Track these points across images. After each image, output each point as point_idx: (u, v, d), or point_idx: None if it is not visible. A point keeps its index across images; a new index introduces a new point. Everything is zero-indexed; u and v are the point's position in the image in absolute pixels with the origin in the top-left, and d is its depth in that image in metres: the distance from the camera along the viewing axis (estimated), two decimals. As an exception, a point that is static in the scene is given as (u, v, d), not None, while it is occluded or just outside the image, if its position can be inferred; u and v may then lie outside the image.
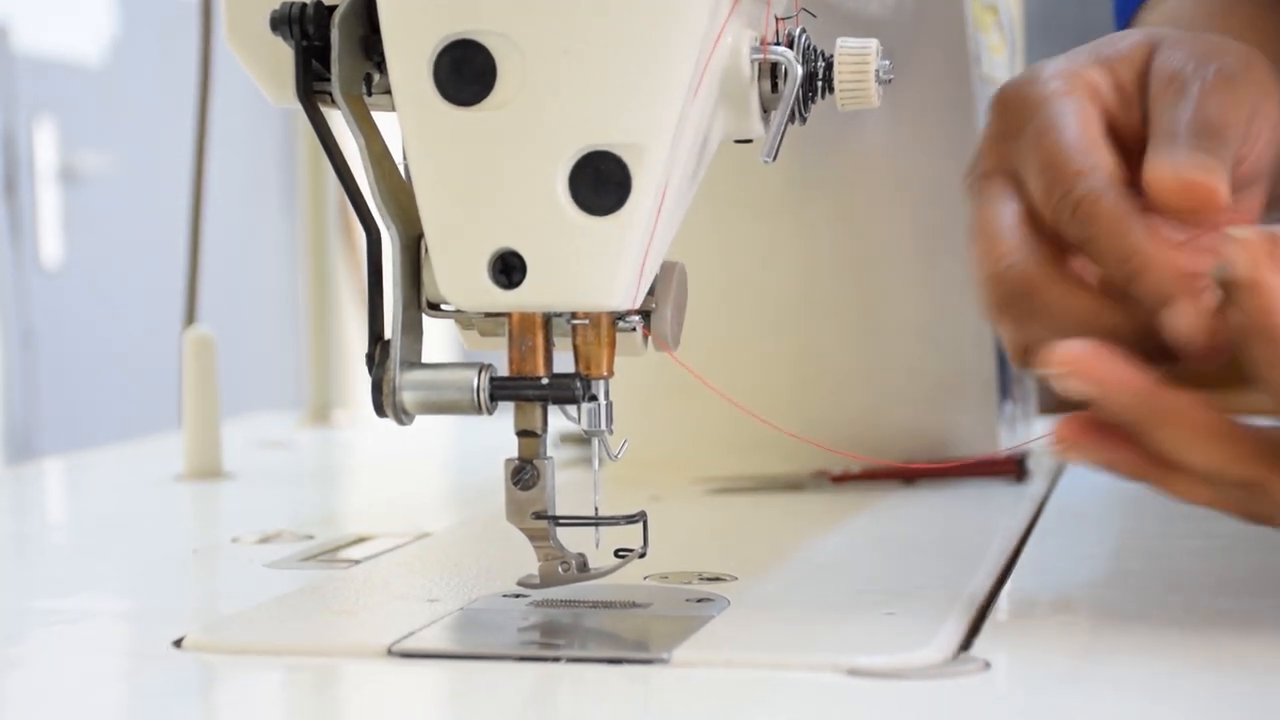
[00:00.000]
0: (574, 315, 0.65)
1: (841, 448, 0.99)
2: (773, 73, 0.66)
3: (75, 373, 3.20)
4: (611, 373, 0.66)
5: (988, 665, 0.60)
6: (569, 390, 0.65)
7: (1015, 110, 0.67)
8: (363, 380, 0.67)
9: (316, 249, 1.55)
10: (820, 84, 0.67)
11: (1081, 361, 0.60)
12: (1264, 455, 0.60)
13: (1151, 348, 0.61)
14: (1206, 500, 0.62)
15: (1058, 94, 0.66)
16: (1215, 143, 0.64)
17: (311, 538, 0.86)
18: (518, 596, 0.69)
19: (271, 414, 1.61)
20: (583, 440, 0.68)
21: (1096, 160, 0.64)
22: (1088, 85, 0.67)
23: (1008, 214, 0.65)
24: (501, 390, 0.65)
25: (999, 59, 1.08)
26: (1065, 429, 0.61)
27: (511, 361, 0.66)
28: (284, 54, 0.66)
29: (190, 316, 1.33)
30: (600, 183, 0.63)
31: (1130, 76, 0.68)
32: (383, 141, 0.66)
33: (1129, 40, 0.69)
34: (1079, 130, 0.65)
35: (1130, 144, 0.66)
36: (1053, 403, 0.93)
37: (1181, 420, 0.60)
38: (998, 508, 0.90)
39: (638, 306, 0.65)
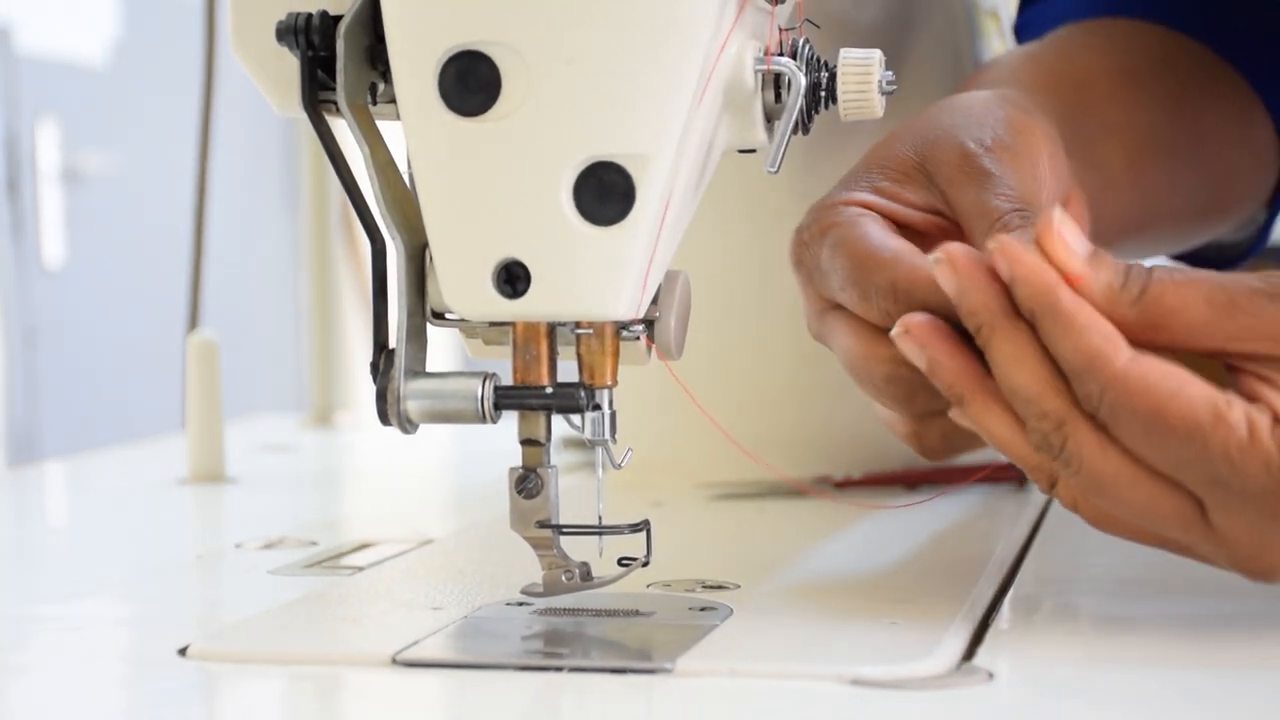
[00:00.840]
0: (578, 324, 0.66)
1: (844, 454, 0.99)
2: (776, 83, 0.66)
3: (76, 374, 3.20)
4: (615, 382, 0.66)
5: (991, 676, 0.60)
6: (573, 399, 0.66)
7: (807, 250, 0.70)
8: (365, 383, 0.68)
9: (319, 251, 1.55)
10: (823, 95, 0.68)
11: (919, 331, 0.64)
12: (1069, 397, 0.62)
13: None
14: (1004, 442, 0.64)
15: (837, 220, 0.70)
16: (1029, 212, 0.69)
17: (315, 543, 0.86)
18: (521, 605, 0.69)
19: (273, 416, 1.61)
20: (584, 444, 0.68)
21: (894, 246, 0.67)
22: (860, 202, 0.71)
23: (858, 338, 0.68)
24: (506, 399, 0.65)
25: (1002, 65, 1.08)
26: (915, 324, 0.64)
27: (515, 370, 0.66)
28: (289, 63, 0.66)
29: (193, 320, 1.33)
30: (604, 193, 0.63)
31: (901, 178, 0.72)
32: (387, 151, 0.66)
33: (895, 149, 0.73)
34: (864, 234, 0.68)
35: (920, 233, 0.71)
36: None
37: (1013, 338, 0.62)
38: (1000, 515, 0.90)
39: (641, 316, 0.65)
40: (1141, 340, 0.61)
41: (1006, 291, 0.62)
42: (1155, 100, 0.87)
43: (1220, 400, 0.60)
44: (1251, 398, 0.61)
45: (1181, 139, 0.88)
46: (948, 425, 0.66)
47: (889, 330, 0.65)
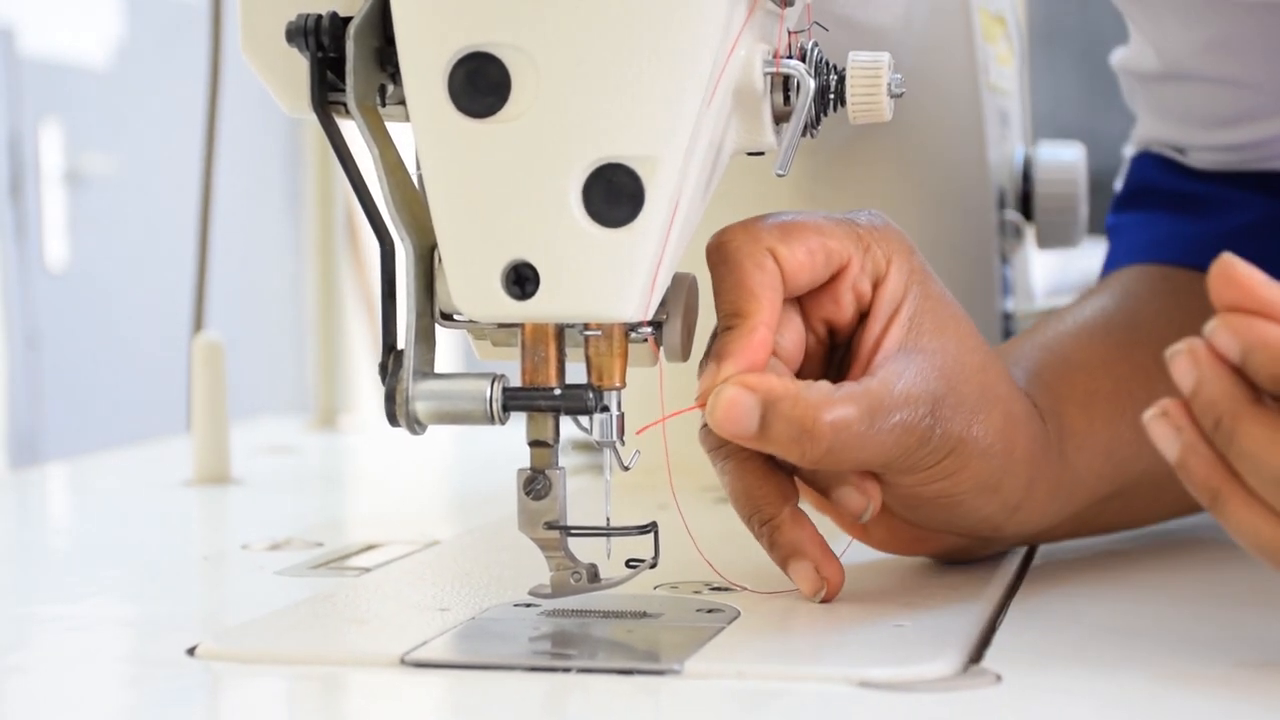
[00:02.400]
0: (586, 326, 0.66)
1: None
2: (785, 86, 0.66)
3: (80, 376, 3.20)
4: (624, 384, 0.66)
5: (999, 679, 0.60)
6: (581, 401, 0.66)
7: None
8: (368, 384, 0.68)
9: (323, 253, 1.55)
10: (832, 97, 0.68)
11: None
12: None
13: None
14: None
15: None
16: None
17: (321, 545, 0.86)
18: (529, 606, 0.69)
19: (277, 418, 1.61)
20: (592, 447, 0.68)
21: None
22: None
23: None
24: (514, 401, 0.66)
25: (1007, 70, 1.08)
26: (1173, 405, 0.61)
27: (524, 372, 0.66)
28: (298, 64, 0.66)
29: (198, 322, 1.34)
30: (613, 195, 0.63)
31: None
32: (397, 152, 0.66)
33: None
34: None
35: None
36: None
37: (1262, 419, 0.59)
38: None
39: (650, 318, 0.66)
40: None
41: (1242, 378, 0.58)
42: None
43: None
44: None
45: None
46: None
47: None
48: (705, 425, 0.69)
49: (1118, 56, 0.96)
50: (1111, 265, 0.92)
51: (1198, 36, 0.90)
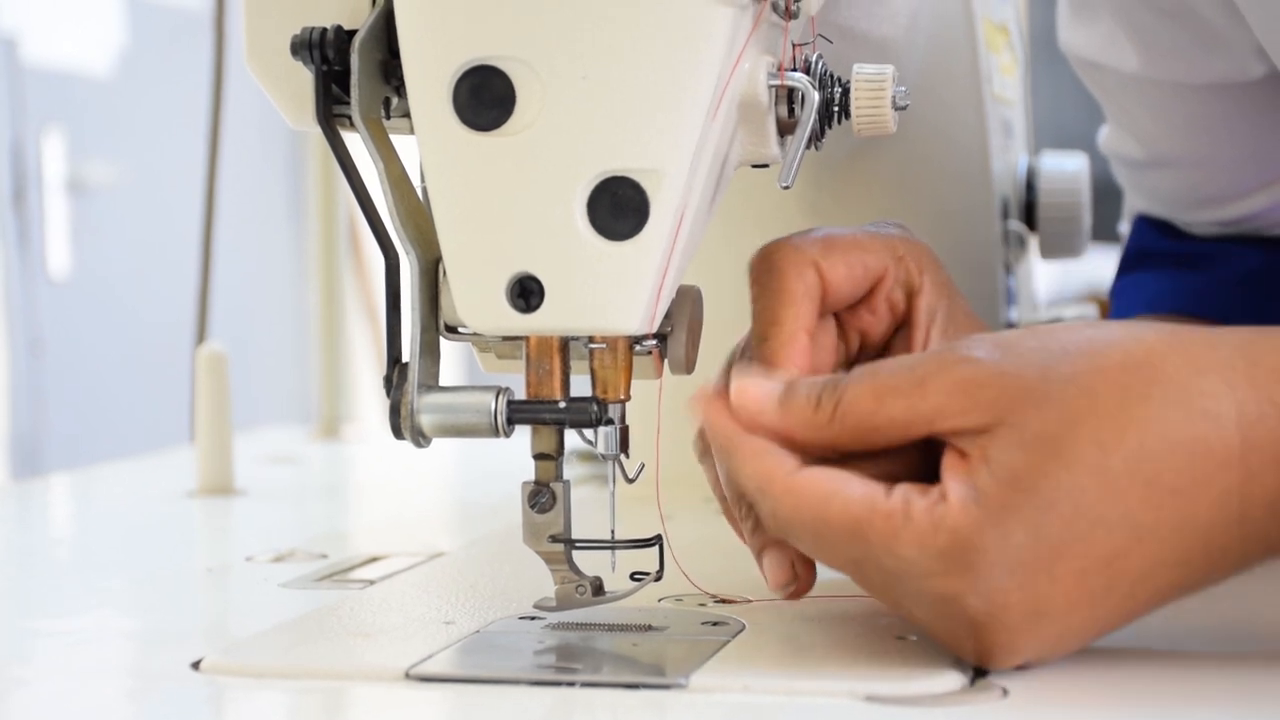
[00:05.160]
0: (591, 339, 0.66)
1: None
2: (790, 98, 0.66)
3: (82, 385, 3.20)
4: (629, 396, 0.66)
5: (1005, 693, 0.60)
6: (586, 414, 0.66)
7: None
8: (371, 395, 0.68)
9: (325, 263, 1.55)
10: (836, 110, 0.68)
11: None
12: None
13: None
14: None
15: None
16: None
17: (325, 556, 0.86)
18: (533, 619, 0.69)
19: (280, 428, 1.61)
20: (595, 457, 0.68)
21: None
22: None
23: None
24: (519, 413, 0.65)
25: (1010, 79, 1.08)
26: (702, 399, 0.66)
27: (529, 385, 0.66)
28: (303, 77, 0.66)
29: (201, 333, 1.34)
30: (618, 208, 0.63)
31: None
32: (401, 165, 0.66)
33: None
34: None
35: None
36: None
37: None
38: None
39: (654, 331, 0.65)
40: (863, 450, 0.62)
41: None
42: None
43: (879, 492, 0.60)
44: (949, 476, 0.60)
45: None
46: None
47: None
48: (701, 431, 0.69)
49: (1104, 139, 0.97)
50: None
51: (1168, 122, 0.90)
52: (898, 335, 0.71)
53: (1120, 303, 0.95)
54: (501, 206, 0.63)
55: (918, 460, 0.62)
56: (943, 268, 0.72)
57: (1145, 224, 0.96)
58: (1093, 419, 0.59)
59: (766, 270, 0.69)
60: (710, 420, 0.64)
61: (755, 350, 0.68)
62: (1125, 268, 0.97)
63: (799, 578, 0.69)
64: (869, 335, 0.71)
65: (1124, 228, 0.99)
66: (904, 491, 0.60)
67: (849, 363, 0.72)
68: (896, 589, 0.61)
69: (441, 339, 0.67)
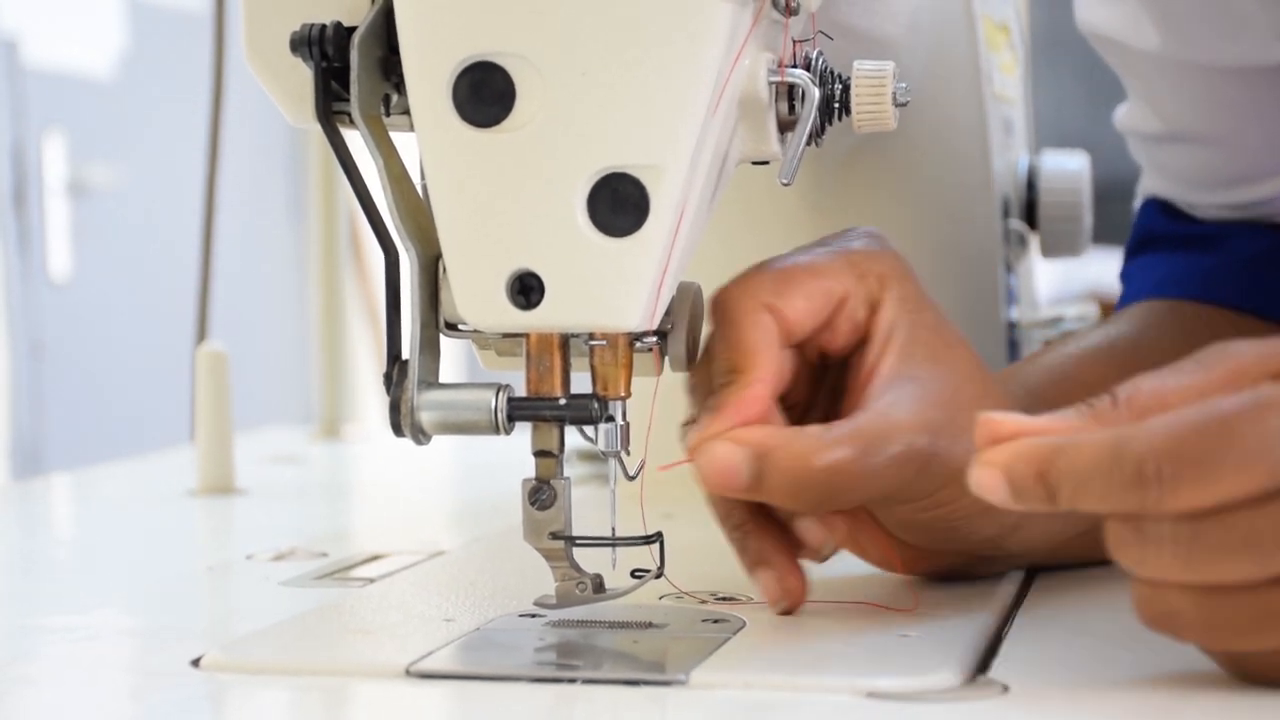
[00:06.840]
0: (591, 336, 0.66)
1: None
2: (790, 95, 0.66)
3: (83, 386, 3.20)
4: (629, 393, 0.66)
5: (1005, 689, 0.60)
6: (586, 411, 0.66)
7: None
8: (372, 394, 0.68)
9: (326, 263, 1.55)
10: (837, 106, 0.68)
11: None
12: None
13: None
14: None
15: None
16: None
17: (325, 555, 0.86)
18: (534, 616, 0.69)
19: (281, 428, 1.61)
20: (596, 456, 0.68)
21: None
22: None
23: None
24: (519, 410, 0.65)
25: (1010, 78, 1.08)
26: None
27: (529, 382, 0.66)
28: (303, 74, 0.66)
29: (202, 332, 1.34)
30: (618, 204, 0.63)
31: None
32: (401, 162, 0.66)
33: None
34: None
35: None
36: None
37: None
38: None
39: (654, 327, 0.65)
40: None
41: None
42: None
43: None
44: None
45: None
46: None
47: None
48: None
49: (1121, 114, 0.97)
50: (1122, 307, 0.92)
51: (1190, 99, 0.90)
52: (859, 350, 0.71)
53: (1130, 286, 0.94)
54: (501, 203, 0.63)
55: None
56: (913, 279, 0.71)
57: (1152, 208, 0.96)
58: None
59: (722, 319, 0.69)
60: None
61: (716, 394, 0.67)
62: (1133, 251, 0.96)
63: (791, 591, 0.69)
64: (830, 350, 0.71)
65: (1137, 204, 0.99)
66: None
67: (812, 378, 0.71)
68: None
69: (441, 336, 0.67)
